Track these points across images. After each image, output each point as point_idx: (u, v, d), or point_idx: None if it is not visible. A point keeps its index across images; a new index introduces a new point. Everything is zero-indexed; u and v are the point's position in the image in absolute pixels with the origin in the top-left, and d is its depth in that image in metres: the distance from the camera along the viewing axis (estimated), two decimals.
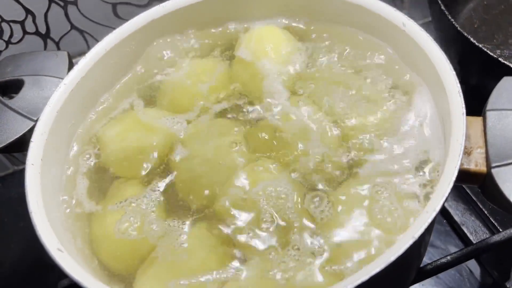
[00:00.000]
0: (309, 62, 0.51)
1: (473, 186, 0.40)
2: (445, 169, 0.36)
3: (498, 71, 0.52)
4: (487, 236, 0.58)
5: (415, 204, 0.39)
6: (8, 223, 0.73)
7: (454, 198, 0.61)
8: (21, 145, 0.47)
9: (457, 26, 0.55)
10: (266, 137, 0.46)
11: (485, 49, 0.52)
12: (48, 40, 0.65)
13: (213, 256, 0.40)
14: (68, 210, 0.44)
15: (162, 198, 0.44)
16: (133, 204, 0.42)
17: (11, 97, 0.51)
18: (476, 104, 0.43)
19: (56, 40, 0.66)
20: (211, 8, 0.54)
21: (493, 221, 0.59)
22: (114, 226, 0.42)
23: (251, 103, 0.50)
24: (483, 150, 0.39)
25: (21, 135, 0.47)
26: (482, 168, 0.38)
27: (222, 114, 0.49)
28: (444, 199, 0.34)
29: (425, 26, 0.66)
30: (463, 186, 0.61)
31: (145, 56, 0.55)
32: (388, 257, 0.31)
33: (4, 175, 0.79)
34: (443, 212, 0.60)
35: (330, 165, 0.43)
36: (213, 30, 0.55)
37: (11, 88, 0.51)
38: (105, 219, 0.43)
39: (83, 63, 0.50)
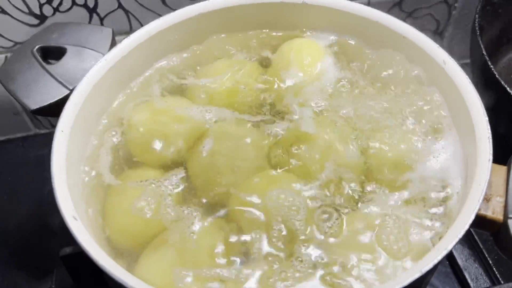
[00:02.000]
0: (344, 81, 0.52)
1: (486, 232, 0.41)
2: (462, 211, 0.36)
3: None
4: (488, 285, 0.58)
5: (425, 239, 0.39)
6: (21, 183, 0.74)
7: (460, 241, 0.60)
8: (52, 110, 0.48)
9: (495, 73, 0.55)
10: (287, 148, 0.47)
11: None
12: (94, 15, 0.67)
13: (219, 252, 0.41)
14: (86, 180, 0.45)
15: (181, 186, 0.44)
16: (153, 185, 0.43)
17: (52, 63, 0.52)
18: (502, 153, 0.43)
19: (102, 16, 0.67)
20: (260, 11, 0.55)
21: (496, 272, 0.58)
22: (132, 202, 0.42)
23: (278, 113, 0.50)
24: (502, 199, 0.39)
25: (55, 101, 0.48)
26: (499, 216, 0.38)
27: (250, 115, 0.50)
28: (457, 239, 0.34)
29: (461, 67, 0.67)
30: (472, 231, 0.61)
31: (189, 49, 0.56)
32: (392, 286, 0.32)
33: (25, 136, 0.80)
34: (448, 254, 0.60)
35: (346, 187, 0.44)
36: (252, 33, 0.56)
37: (53, 54, 0.52)
38: (123, 194, 0.44)
39: (126, 43, 0.51)
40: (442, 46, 0.82)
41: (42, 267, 0.65)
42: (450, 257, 0.61)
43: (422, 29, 0.79)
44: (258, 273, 0.39)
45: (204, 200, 0.44)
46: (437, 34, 0.82)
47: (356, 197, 0.43)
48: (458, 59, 0.73)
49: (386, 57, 0.52)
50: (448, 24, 0.81)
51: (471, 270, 0.59)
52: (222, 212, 0.43)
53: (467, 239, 0.61)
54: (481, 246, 0.60)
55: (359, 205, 0.42)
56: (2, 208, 0.71)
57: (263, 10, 0.55)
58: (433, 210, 0.42)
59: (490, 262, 0.59)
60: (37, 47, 0.52)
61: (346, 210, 0.42)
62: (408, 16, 0.77)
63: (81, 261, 0.56)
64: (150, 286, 0.33)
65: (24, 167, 0.76)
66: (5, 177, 0.75)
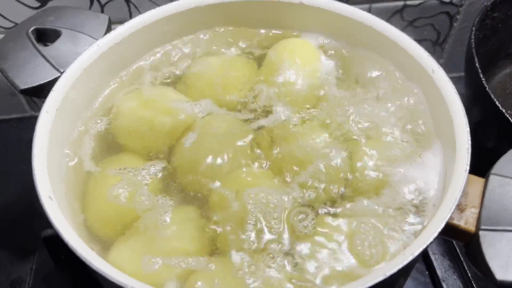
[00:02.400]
0: (333, 84, 0.52)
1: (459, 243, 0.41)
2: (433, 219, 0.36)
3: None
4: None
5: (397, 245, 0.39)
6: (12, 163, 0.75)
7: (442, 252, 0.61)
8: (42, 91, 0.48)
9: (486, 86, 0.55)
10: (271, 147, 0.47)
11: (507, 115, 0.53)
12: (95, 1, 0.67)
13: (191, 242, 0.41)
14: (69, 164, 0.46)
15: (159, 175, 0.45)
16: (130, 173, 0.44)
17: (45, 45, 0.52)
18: (487, 167, 0.43)
19: (102, 3, 0.68)
20: (256, 9, 0.55)
21: (474, 286, 0.58)
22: (108, 189, 0.43)
23: (265, 111, 0.50)
24: (476, 211, 0.39)
25: (45, 82, 0.48)
26: (471, 227, 0.38)
27: (237, 112, 0.50)
28: (424, 246, 0.34)
29: (457, 80, 0.67)
30: (454, 243, 0.61)
31: (181, 40, 0.56)
32: (355, 287, 0.32)
33: (21, 117, 0.81)
34: (428, 263, 0.60)
35: (326, 188, 0.44)
36: (250, 30, 0.57)
37: (48, 36, 0.53)
38: (101, 181, 0.44)
39: (121, 30, 0.51)
40: (441, 57, 0.83)
41: (25, 247, 0.65)
42: (430, 267, 0.61)
43: (422, 39, 0.80)
44: (228, 265, 0.39)
45: (181, 191, 0.44)
46: (437, 45, 0.82)
47: (334, 200, 0.43)
48: (457, 71, 0.74)
49: (377, 63, 0.52)
50: (449, 36, 0.80)
51: (449, 282, 0.59)
52: (197, 203, 0.44)
53: (448, 251, 0.60)
54: (462, 259, 0.60)
55: (336, 209, 0.42)
56: None
57: (260, 7, 0.56)
58: (410, 219, 0.42)
59: (469, 275, 0.59)
60: (32, 28, 0.52)
61: (323, 212, 0.42)
62: (409, 25, 0.77)
63: (61, 243, 0.57)
64: (114, 269, 0.34)
65: (16, 148, 0.77)
66: None
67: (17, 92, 0.76)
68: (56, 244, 0.59)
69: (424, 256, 0.61)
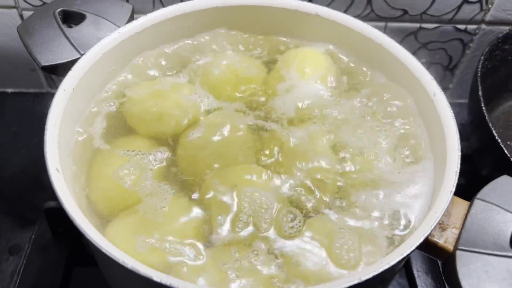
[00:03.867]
0: (340, 96, 0.54)
1: (439, 260, 0.42)
2: (414, 232, 0.38)
3: (508, 170, 0.53)
4: None
5: (376, 254, 0.41)
6: (24, 135, 0.78)
7: (426, 270, 0.62)
8: (61, 70, 0.51)
9: (486, 114, 0.57)
10: (272, 148, 0.49)
11: (502, 146, 0.54)
12: None
13: (185, 231, 0.43)
14: (78, 139, 0.48)
15: (164, 163, 0.47)
16: (137, 156, 0.46)
17: (70, 27, 0.55)
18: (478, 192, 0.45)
19: None
20: (272, 15, 0.57)
21: None
22: (115, 169, 0.45)
23: (272, 114, 0.52)
24: (457, 231, 0.41)
25: (65, 62, 0.51)
26: (449, 246, 0.40)
27: (244, 113, 0.53)
28: (401, 257, 0.36)
29: (464, 106, 0.68)
30: (438, 262, 0.62)
31: (199, 37, 0.58)
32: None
33: (38, 92, 0.84)
34: (410, 279, 0.62)
35: (318, 194, 0.46)
36: (263, 35, 0.59)
37: (73, 18, 0.56)
38: (108, 160, 0.46)
39: (142, 21, 0.54)
40: (451, 82, 0.85)
41: (27, 217, 0.68)
42: (412, 282, 0.62)
43: (434, 62, 0.82)
44: (215, 257, 0.41)
45: (182, 182, 0.47)
46: (448, 70, 0.83)
47: (325, 205, 0.45)
48: (464, 98, 0.76)
49: (382, 81, 0.54)
50: (460, 62, 0.82)
51: None
52: (196, 195, 0.46)
53: (432, 269, 0.62)
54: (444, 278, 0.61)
55: (325, 212, 0.44)
56: (1, 155, 0.74)
57: (276, 14, 0.58)
58: (393, 231, 0.44)
59: None
60: (59, 9, 0.55)
61: (311, 215, 0.44)
62: (422, 47, 0.79)
63: (62, 216, 0.59)
64: (108, 242, 0.36)
65: (29, 122, 0.80)
66: (10, 127, 0.79)
67: (37, 68, 0.80)
68: (56, 217, 0.61)
69: (407, 273, 0.63)
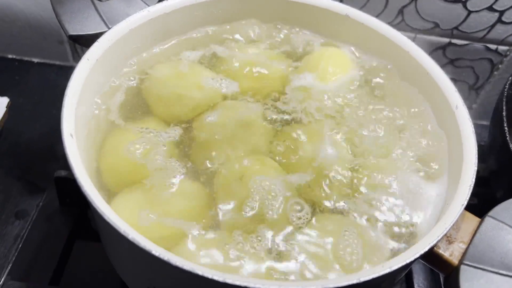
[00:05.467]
0: (362, 99, 0.53)
1: (442, 274, 0.42)
2: (419, 241, 0.37)
3: None
4: None
5: (379, 259, 0.41)
6: (44, 105, 0.79)
7: (427, 285, 0.61)
8: (88, 41, 0.51)
9: (507, 135, 0.55)
10: (286, 141, 0.49)
11: None
12: None
13: (191, 210, 0.43)
14: (95, 112, 0.48)
15: (177, 139, 0.47)
16: (151, 134, 0.46)
17: (101, 0, 0.56)
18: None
19: None
20: (301, 12, 0.57)
21: None
22: (126, 144, 0.45)
23: (292, 110, 0.52)
24: (464, 246, 0.40)
25: (93, 34, 0.51)
26: (454, 260, 0.39)
27: (261, 102, 0.52)
28: (404, 263, 0.35)
29: (485, 128, 0.67)
30: (440, 277, 0.61)
31: (227, 26, 0.59)
32: (326, 284, 0.33)
33: (63, 65, 0.85)
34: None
35: (329, 191, 0.45)
36: (288, 32, 0.59)
37: None
38: (122, 134, 0.47)
39: (172, 3, 0.54)
40: (475, 102, 0.83)
41: (37, 184, 0.69)
42: None
43: (460, 79, 0.81)
44: (218, 237, 0.41)
45: (193, 163, 0.46)
46: (473, 89, 0.82)
47: (333, 203, 0.45)
48: (486, 119, 0.74)
49: (406, 89, 0.53)
50: (487, 83, 0.81)
51: None
52: (205, 177, 0.46)
53: (434, 285, 0.61)
54: None
55: (331, 211, 0.44)
56: (20, 122, 0.76)
57: (306, 11, 0.58)
58: (399, 238, 0.43)
59: None
60: None
61: (320, 211, 0.44)
62: (449, 63, 0.78)
63: (71, 186, 0.60)
64: (113, 212, 0.36)
65: (51, 93, 0.80)
66: (32, 96, 0.80)
67: (64, 41, 0.81)
68: (65, 186, 0.62)
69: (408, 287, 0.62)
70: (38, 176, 0.69)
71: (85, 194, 0.36)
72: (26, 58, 0.85)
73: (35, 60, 0.85)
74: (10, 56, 0.85)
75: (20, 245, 0.61)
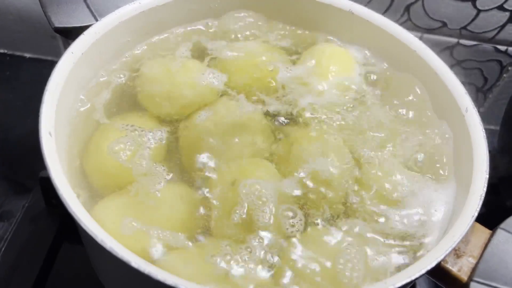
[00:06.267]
0: (363, 99, 0.50)
1: None
2: (425, 255, 0.34)
3: None
4: None
5: (382, 275, 0.37)
6: (34, 101, 0.75)
7: None
8: (75, 34, 0.48)
9: None
10: (281, 143, 0.46)
11: None
12: None
13: (178, 218, 0.40)
14: (80, 109, 0.45)
15: (163, 142, 0.44)
16: (136, 132, 0.43)
17: None
18: (499, 223, 0.41)
19: None
20: (304, 8, 0.54)
21: None
22: (110, 142, 0.42)
23: (288, 109, 0.49)
24: (474, 261, 0.37)
25: (80, 26, 0.48)
26: (463, 276, 0.36)
27: (257, 101, 0.49)
28: (408, 280, 0.32)
29: (493, 133, 0.64)
30: None
31: (222, 19, 0.55)
32: None
33: (55, 60, 0.81)
34: None
35: (326, 198, 0.42)
36: (291, 27, 0.56)
37: None
38: (106, 132, 0.44)
39: None
40: (482, 105, 0.80)
41: (24, 184, 0.66)
42: None
43: (467, 82, 0.77)
44: (205, 249, 0.38)
45: (181, 166, 0.44)
46: (481, 92, 0.79)
47: (331, 212, 0.42)
48: (494, 124, 0.71)
49: (411, 89, 0.50)
50: (496, 85, 0.78)
51: None
52: (193, 181, 0.43)
53: None
54: None
55: (330, 222, 0.41)
56: (10, 118, 0.73)
57: (308, 6, 0.54)
58: (403, 253, 0.40)
59: None
60: None
61: (315, 221, 0.40)
62: (457, 64, 0.75)
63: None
64: (90, 219, 0.33)
65: (43, 88, 0.78)
66: (23, 92, 0.77)
67: (57, 35, 0.78)
68: (51, 187, 0.59)
69: None
70: (26, 175, 0.67)
71: (61, 198, 0.33)
72: (17, 53, 0.82)
73: (27, 55, 0.82)
74: (1, 50, 0.82)
75: (3, 248, 0.58)
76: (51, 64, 0.81)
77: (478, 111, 0.44)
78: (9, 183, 0.66)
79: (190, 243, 0.38)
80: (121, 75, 0.50)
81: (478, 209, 0.37)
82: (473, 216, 0.36)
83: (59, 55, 0.81)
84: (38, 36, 0.79)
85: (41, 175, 0.57)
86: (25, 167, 0.68)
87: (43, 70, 0.81)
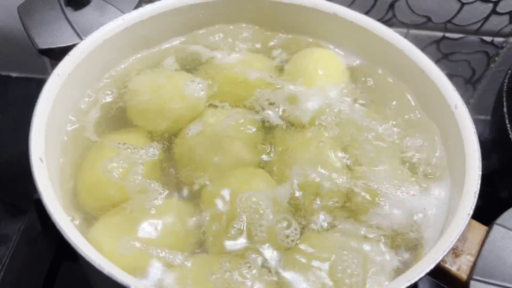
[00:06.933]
0: (352, 102, 0.50)
1: None
2: (424, 258, 0.34)
3: None
4: None
5: (381, 279, 0.38)
6: (24, 121, 0.75)
7: None
8: (60, 54, 0.48)
9: (510, 132, 0.53)
10: (274, 151, 0.46)
11: None
12: None
13: (175, 235, 0.40)
14: (70, 129, 0.45)
15: (156, 158, 0.44)
16: (128, 150, 0.43)
17: (73, 10, 0.52)
18: (494, 217, 0.41)
19: None
20: (287, 12, 0.54)
21: None
22: (103, 161, 0.42)
23: (278, 113, 0.49)
24: (472, 259, 0.37)
25: (64, 46, 0.48)
26: (463, 275, 0.36)
27: (249, 111, 0.49)
28: (408, 284, 0.32)
29: (484, 123, 0.64)
30: None
31: (207, 30, 0.55)
32: None
33: (42, 78, 0.80)
34: None
35: (319, 204, 0.42)
36: (275, 32, 0.56)
37: (77, 2, 0.53)
38: (98, 151, 0.43)
39: (149, 9, 0.51)
40: (472, 96, 0.80)
41: (19, 206, 0.65)
42: None
43: (455, 74, 0.78)
44: (204, 266, 0.37)
45: (176, 181, 0.43)
46: (469, 83, 0.79)
47: (326, 218, 0.42)
48: (484, 114, 0.71)
49: (398, 89, 0.50)
50: (484, 76, 0.78)
51: None
52: (189, 197, 0.42)
53: None
54: None
55: (325, 227, 0.41)
56: (0, 140, 0.72)
57: (292, 11, 0.54)
58: (400, 255, 0.40)
59: None
60: None
61: (311, 228, 0.40)
62: (444, 58, 0.75)
63: None
64: (86, 244, 0.33)
65: (32, 108, 0.77)
66: (12, 112, 0.77)
67: None
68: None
69: None
70: (20, 197, 0.66)
71: (56, 225, 0.33)
72: (3, 73, 0.81)
73: (13, 74, 0.81)
74: None
75: (1, 272, 0.57)
76: (39, 82, 0.81)
77: (468, 103, 0.45)
78: (3, 205, 0.65)
79: (189, 262, 0.37)
80: (109, 92, 0.49)
81: (473, 207, 0.37)
82: (468, 214, 0.36)
83: (46, 73, 0.81)
84: (24, 55, 0.78)
85: (35, 197, 0.57)
86: (19, 189, 0.67)
87: (30, 89, 0.81)
